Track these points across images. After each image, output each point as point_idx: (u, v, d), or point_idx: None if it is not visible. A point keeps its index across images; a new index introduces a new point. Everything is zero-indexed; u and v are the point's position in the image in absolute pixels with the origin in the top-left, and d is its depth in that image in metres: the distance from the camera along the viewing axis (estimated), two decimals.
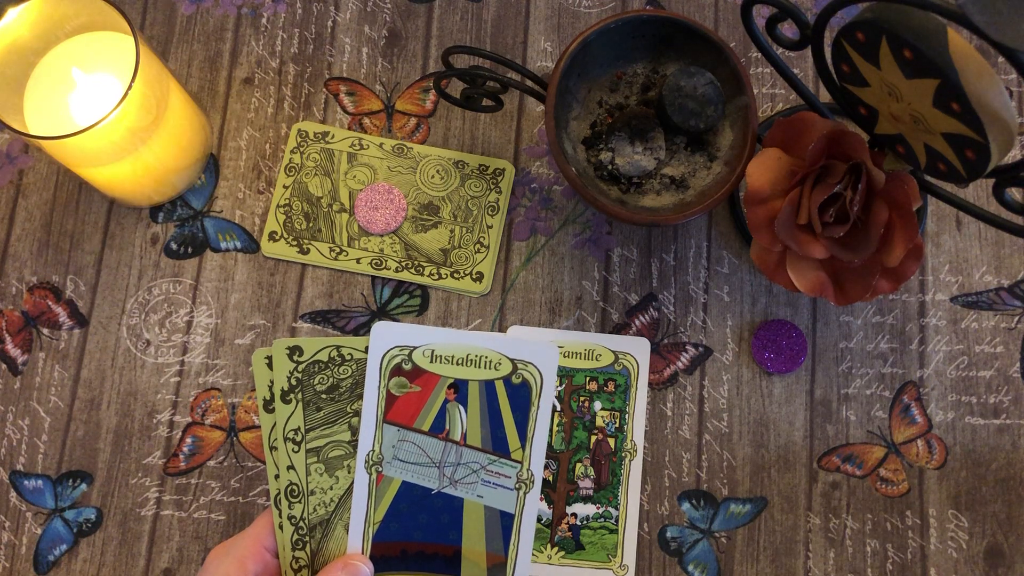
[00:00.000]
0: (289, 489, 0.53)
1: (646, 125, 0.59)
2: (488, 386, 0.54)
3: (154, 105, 0.59)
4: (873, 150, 0.56)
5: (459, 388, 0.54)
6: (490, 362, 0.55)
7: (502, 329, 0.65)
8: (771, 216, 0.55)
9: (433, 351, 0.54)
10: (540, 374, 0.55)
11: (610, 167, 0.60)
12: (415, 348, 0.54)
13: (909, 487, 0.62)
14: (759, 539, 0.62)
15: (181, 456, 0.63)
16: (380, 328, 0.54)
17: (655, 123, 0.60)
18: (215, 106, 0.69)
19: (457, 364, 0.55)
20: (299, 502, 0.53)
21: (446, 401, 0.54)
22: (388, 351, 0.54)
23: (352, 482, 0.54)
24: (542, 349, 0.55)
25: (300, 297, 0.65)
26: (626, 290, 0.65)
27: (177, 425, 0.63)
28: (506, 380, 0.55)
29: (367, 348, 0.54)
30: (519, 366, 0.55)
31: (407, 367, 0.54)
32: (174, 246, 0.66)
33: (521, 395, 0.55)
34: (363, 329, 0.64)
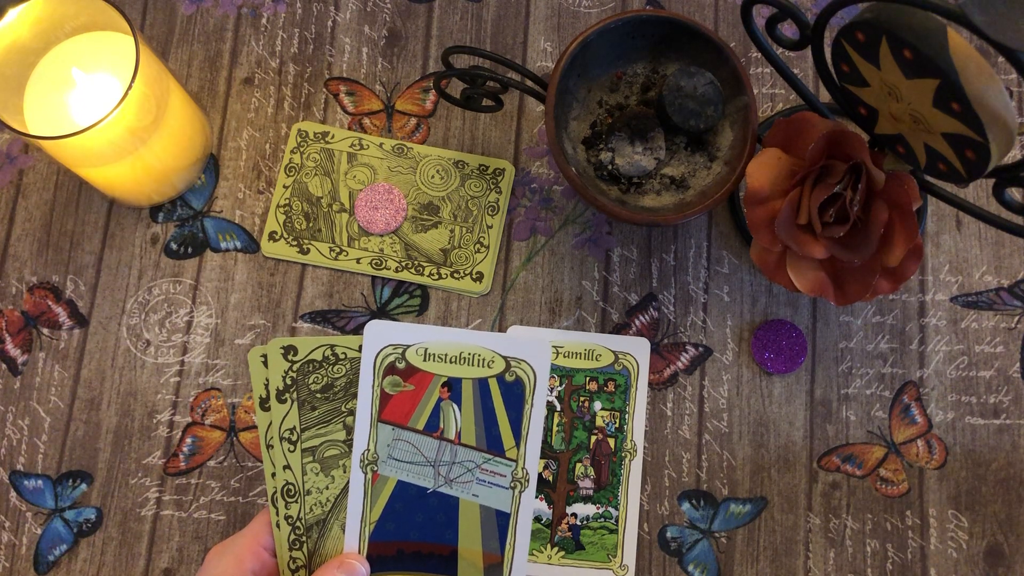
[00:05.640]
0: (286, 489, 0.53)
1: (646, 125, 0.59)
2: (482, 384, 0.54)
3: (154, 105, 0.59)
4: (873, 150, 0.56)
5: (452, 386, 0.54)
6: (483, 360, 0.55)
7: (502, 329, 0.65)
8: (771, 216, 0.55)
9: (426, 349, 0.54)
10: (533, 371, 0.55)
11: (610, 167, 0.60)
12: (408, 347, 0.54)
13: (909, 487, 0.62)
14: (759, 539, 0.61)
15: (181, 456, 0.63)
16: (374, 327, 0.54)
17: (655, 123, 0.60)
18: (215, 106, 0.69)
19: (450, 362, 0.55)
20: (295, 502, 0.53)
21: (440, 400, 0.54)
22: (382, 350, 0.54)
23: (348, 481, 0.54)
24: (535, 346, 0.55)
25: (300, 297, 0.65)
26: (626, 290, 0.65)
27: (177, 425, 0.63)
28: (499, 378, 0.55)
29: (361, 347, 0.54)
30: (512, 363, 0.55)
31: (401, 365, 0.54)
32: (174, 246, 0.66)
33: (515, 393, 0.55)
34: (363, 329, 0.64)
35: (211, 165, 0.68)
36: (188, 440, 0.63)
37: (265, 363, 0.54)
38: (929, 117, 0.48)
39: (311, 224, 0.66)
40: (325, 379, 0.54)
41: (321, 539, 0.53)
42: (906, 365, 0.64)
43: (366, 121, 0.68)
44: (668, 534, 0.62)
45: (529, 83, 0.65)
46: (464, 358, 0.55)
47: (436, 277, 0.65)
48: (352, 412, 0.54)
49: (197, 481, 0.62)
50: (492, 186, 0.67)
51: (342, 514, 0.53)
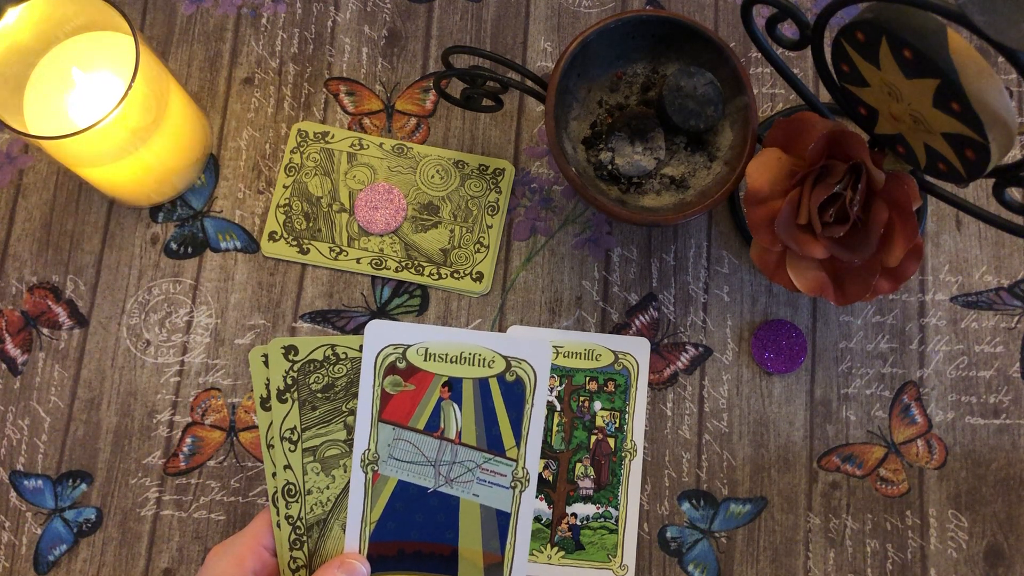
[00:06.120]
0: (286, 488, 0.53)
1: (646, 125, 0.59)
2: (482, 384, 0.55)
3: (154, 105, 0.59)
4: (873, 150, 0.56)
5: (453, 386, 0.54)
6: (484, 360, 0.55)
7: (502, 329, 0.65)
8: (771, 216, 0.55)
9: (427, 349, 0.55)
10: (534, 371, 0.55)
11: (610, 167, 0.60)
12: (409, 346, 0.55)
13: (909, 487, 0.62)
14: (759, 539, 0.61)
15: (181, 456, 0.63)
16: (374, 327, 0.54)
17: (655, 123, 0.60)
18: (215, 106, 0.69)
19: (451, 362, 0.55)
20: (296, 502, 0.53)
21: (440, 399, 0.54)
22: (382, 350, 0.54)
23: (348, 481, 0.54)
24: (535, 346, 0.55)
25: (300, 297, 0.65)
26: (626, 290, 0.65)
27: (177, 425, 0.63)
28: (500, 378, 0.55)
29: (362, 347, 0.54)
30: (513, 363, 0.55)
31: (401, 365, 0.54)
32: (174, 246, 0.66)
33: (515, 392, 0.55)
34: (363, 329, 0.64)
35: (211, 165, 0.68)
36: (188, 440, 0.63)
37: (266, 363, 0.54)
38: (929, 117, 0.48)
39: (311, 224, 0.66)
40: (326, 379, 0.54)
41: (322, 539, 0.53)
42: (906, 365, 0.64)
43: (366, 121, 0.68)
44: (668, 534, 0.62)
45: (529, 83, 0.65)
46: (465, 358, 0.55)
47: (436, 277, 0.65)
48: (353, 412, 0.54)
49: (197, 481, 0.62)
50: (492, 186, 0.67)
51: (343, 514, 0.54)
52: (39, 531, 0.62)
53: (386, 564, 0.54)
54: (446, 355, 0.55)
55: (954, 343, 0.64)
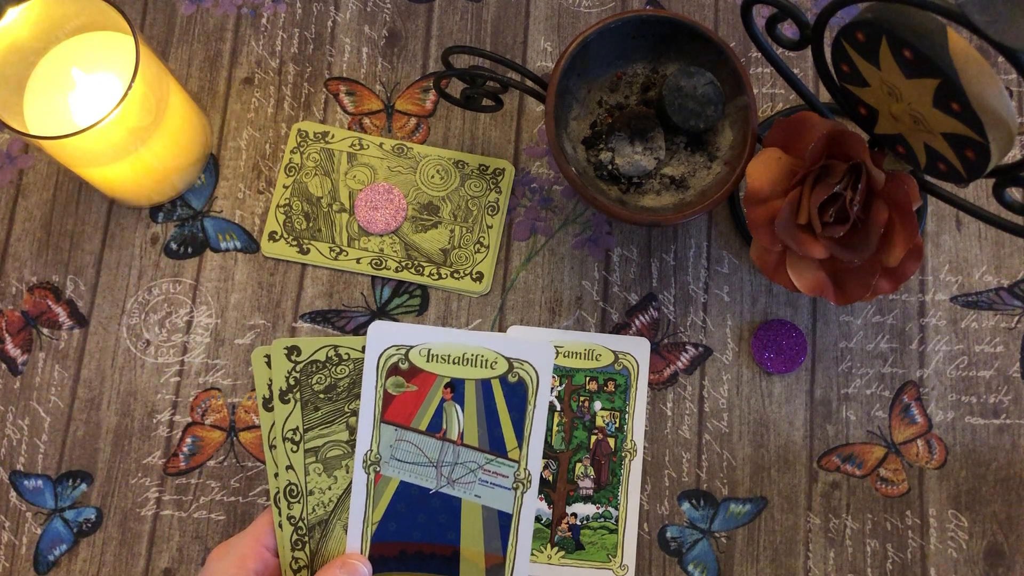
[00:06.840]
0: (288, 489, 0.53)
1: (646, 125, 0.59)
2: (484, 385, 0.55)
3: (154, 105, 0.59)
4: (873, 150, 0.56)
5: (455, 387, 0.54)
6: (486, 361, 0.55)
7: (502, 329, 0.65)
8: (771, 216, 0.55)
9: (430, 350, 0.55)
10: (536, 373, 0.55)
11: (610, 167, 0.60)
12: (412, 347, 0.55)
13: (909, 487, 0.62)
14: (759, 539, 0.62)
15: (181, 456, 0.63)
16: (377, 328, 0.55)
17: (655, 123, 0.60)
18: (215, 106, 0.69)
19: (453, 363, 0.55)
20: (298, 502, 0.53)
21: (443, 400, 0.54)
22: (385, 350, 0.54)
23: (350, 482, 0.54)
24: (538, 348, 0.55)
25: (300, 297, 0.65)
26: (626, 290, 0.65)
27: (177, 425, 0.63)
28: (502, 379, 0.55)
29: (364, 348, 0.54)
30: (515, 365, 0.55)
31: (404, 366, 0.54)
32: (174, 246, 0.66)
33: (518, 394, 0.55)
34: (363, 329, 0.64)
35: (211, 165, 0.68)
36: (188, 440, 0.63)
37: (268, 363, 0.54)
38: (929, 117, 0.48)
39: (311, 224, 0.66)
40: (328, 379, 0.54)
41: (323, 539, 0.53)
42: (906, 365, 0.64)
43: (366, 121, 0.68)
44: (668, 534, 0.62)
45: (529, 83, 0.65)
46: (467, 359, 0.55)
47: (436, 277, 0.65)
48: (355, 413, 0.54)
49: (197, 481, 0.62)
50: (492, 186, 0.67)
51: (344, 514, 0.54)
52: (39, 531, 0.62)
53: (388, 565, 0.54)
54: (448, 356, 0.55)
55: (954, 343, 0.64)
